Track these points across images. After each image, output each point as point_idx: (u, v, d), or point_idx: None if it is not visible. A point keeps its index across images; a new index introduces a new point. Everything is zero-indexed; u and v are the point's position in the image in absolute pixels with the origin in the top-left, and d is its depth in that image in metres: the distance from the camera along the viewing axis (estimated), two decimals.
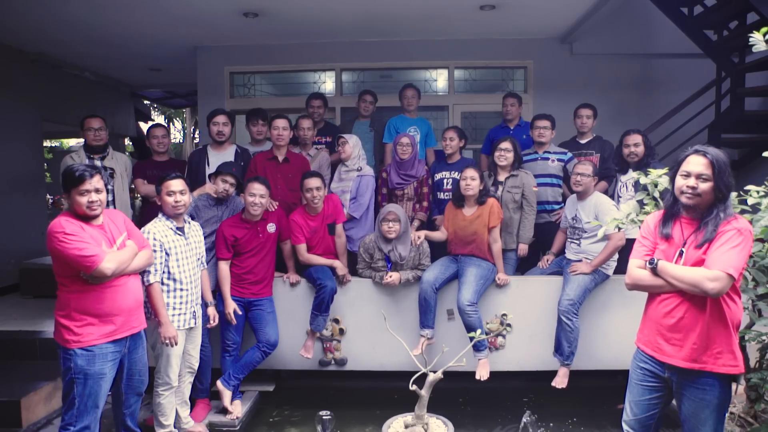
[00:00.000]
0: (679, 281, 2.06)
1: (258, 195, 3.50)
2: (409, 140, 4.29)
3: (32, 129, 6.45)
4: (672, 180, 2.17)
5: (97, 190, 2.52)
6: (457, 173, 4.24)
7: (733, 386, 2.08)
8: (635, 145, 3.94)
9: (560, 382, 3.68)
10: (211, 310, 3.42)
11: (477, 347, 3.64)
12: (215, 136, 4.14)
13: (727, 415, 3.41)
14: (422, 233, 3.94)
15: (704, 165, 2.07)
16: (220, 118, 4.15)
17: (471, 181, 3.75)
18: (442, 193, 4.35)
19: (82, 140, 4.03)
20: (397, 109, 4.97)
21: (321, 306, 3.78)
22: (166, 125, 4.87)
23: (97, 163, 4.13)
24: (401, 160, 4.24)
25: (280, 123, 4.15)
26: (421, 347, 3.68)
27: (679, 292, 2.12)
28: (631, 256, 2.31)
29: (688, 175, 2.09)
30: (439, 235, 3.98)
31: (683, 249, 2.12)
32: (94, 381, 2.53)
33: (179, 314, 3.07)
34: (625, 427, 2.37)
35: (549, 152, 4.39)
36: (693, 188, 2.07)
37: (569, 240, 3.88)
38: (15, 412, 3.31)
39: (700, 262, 2.06)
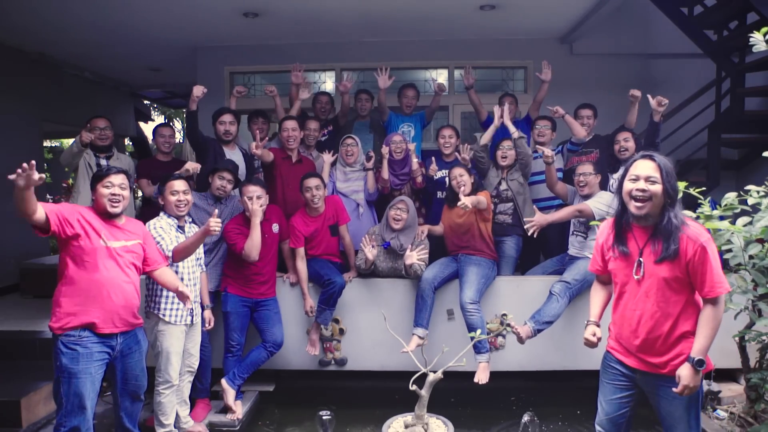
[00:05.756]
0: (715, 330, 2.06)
1: (255, 196, 3.49)
2: (402, 138, 4.31)
3: (32, 129, 6.45)
4: (620, 188, 2.16)
5: (121, 186, 2.65)
6: None
7: (704, 383, 2.09)
8: (625, 140, 4.03)
9: (525, 332, 3.51)
10: (207, 314, 3.43)
11: (478, 349, 3.61)
12: (222, 135, 4.13)
13: (726, 415, 3.43)
14: (425, 227, 4.00)
15: (652, 168, 2.08)
16: (227, 117, 4.15)
17: (460, 177, 3.81)
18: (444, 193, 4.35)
19: (85, 140, 4.04)
20: (397, 110, 4.97)
21: (329, 300, 3.78)
22: (171, 125, 4.94)
23: (103, 162, 4.15)
24: (395, 159, 4.26)
25: (290, 124, 4.18)
26: (414, 346, 3.63)
27: (644, 301, 2.14)
28: (590, 266, 2.43)
29: (637, 179, 2.09)
30: (438, 229, 4.05)
31: (641, 259, 2.13)
32: (78, 380, 2.52)
33: (178, 310, 3.09)
34: (597, 428, 2.39)
35: None
36: (643, 191, 2.07)
37: (574, 233, 3.88)
38: (15, 412, 3.31)
39: (661, 281, 2.08)
